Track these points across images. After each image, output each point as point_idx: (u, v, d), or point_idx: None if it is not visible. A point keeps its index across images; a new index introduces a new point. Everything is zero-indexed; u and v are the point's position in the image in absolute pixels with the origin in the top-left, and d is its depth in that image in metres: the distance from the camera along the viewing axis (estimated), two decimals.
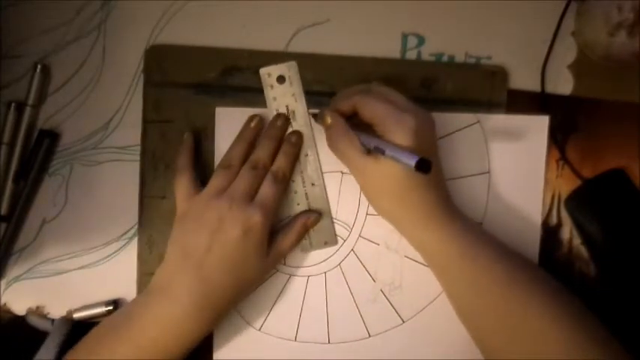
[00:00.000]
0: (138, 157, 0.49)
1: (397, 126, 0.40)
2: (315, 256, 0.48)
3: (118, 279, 0.49)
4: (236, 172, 0.45)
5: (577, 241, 0.49)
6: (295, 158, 0.47)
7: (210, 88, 0.49)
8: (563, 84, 0.49)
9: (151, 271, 0.48)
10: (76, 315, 0.48)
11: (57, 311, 0.49)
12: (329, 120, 0.44)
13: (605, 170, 0.49)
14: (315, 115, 0.47)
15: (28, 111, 0.48)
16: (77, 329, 0.47)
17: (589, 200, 0.48)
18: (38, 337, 0.46)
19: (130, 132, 0.49)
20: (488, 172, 0.48)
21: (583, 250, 0.49)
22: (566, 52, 0.49)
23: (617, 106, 0.49)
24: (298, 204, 0.48)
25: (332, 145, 0.44)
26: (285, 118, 0.47)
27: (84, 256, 0.49)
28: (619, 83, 0.49)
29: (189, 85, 0.49)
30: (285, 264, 0.48)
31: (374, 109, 0.42)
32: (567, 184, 0.49)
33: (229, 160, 0.46)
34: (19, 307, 0.49)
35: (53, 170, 0.49)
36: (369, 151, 0.42)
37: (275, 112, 0.48)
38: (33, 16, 0.49)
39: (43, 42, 0.49)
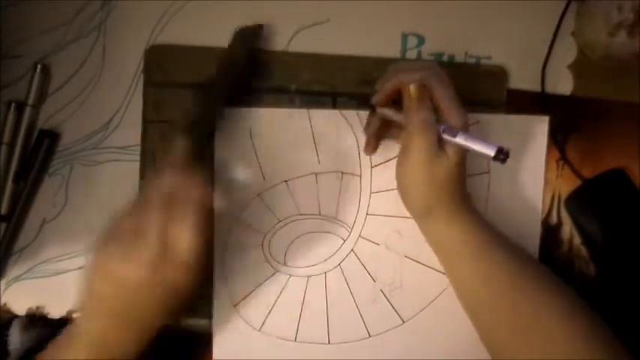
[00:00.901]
0: (138, 157, 0.49)
1: (461, 114, 0.41)
2: (315, 256, 0.48)
3: None
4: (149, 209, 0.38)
5: (577, 240, 0.49)
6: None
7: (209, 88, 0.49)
8: (563, 84, 0.49)
9: None
10: (76, 315, 0.48)
11: (57, 311, 0.49)
12: (415, 91, 0.42)
13: (605, 170, 0.49)
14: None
15: (28, 111, 0.48)
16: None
17: (589, 200, 0.48)
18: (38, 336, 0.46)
19: (129, 132, 0.49)
20: (488, 172, 0.48)
21: (583, 250, 0.49)
22: (566, 52, 0.49)
23: (617, 106, 0.49)
24: None
25: (414, 115, 0.41)
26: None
27: (84, 256, 0.49)
28: (619, 83, 0.49)
29: (189, 85, 0.49)
30: (285, 264, 0.48)
31: (448, 91, 0.41)
32: (567, 184, 0.49)
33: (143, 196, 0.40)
34: (19, 307, 0.49)
35: (53, 170, 0.49)
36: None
37: None
38: (33, 16, 0.49)
39: (43, 42, 0.49)
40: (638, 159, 0.49)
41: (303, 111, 0.48)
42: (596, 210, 0.48)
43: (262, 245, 0.48)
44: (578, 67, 0.49)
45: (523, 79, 0.49)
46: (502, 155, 0.39)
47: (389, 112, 0.44)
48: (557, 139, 0.49)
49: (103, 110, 0.49)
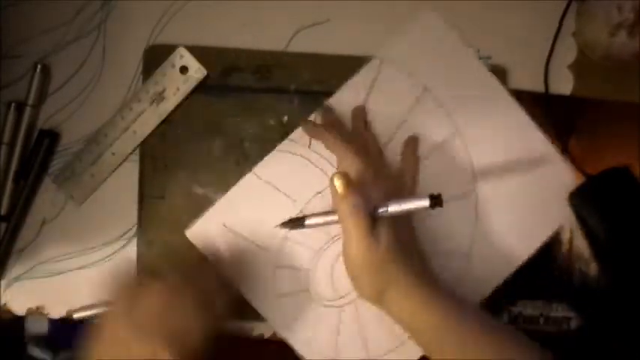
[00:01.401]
0: (137, 157, 0.49)
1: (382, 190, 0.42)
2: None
3: None
4: None
5: (577, 240, 0.49)
6: None
7: (209, 88, 0.49)
8: (563, 84, 0.49)
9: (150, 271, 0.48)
10: (76, 315, 0.48)
11: (57, 311, 0.49)
12: (337, 180, 0.41)
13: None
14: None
15: (28, 111, 0.48)
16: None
17: (593, 196, 0.48)
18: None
19: None
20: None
21: (583, 250, 0.49)
22: (566, 52, 0.49)
23: (618, 107, 0.49)
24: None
25: (342, 207, 0.42)
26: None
27: (84, 256, 0.49)
28: (619, 83, 0.48)
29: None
30: (333, 298, 0.47)
31: (365, 174, 0.42)
32: None
33: None
34: (19, 307, 0.49)
35: (53, 170, 0.49)
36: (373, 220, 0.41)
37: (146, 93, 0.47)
38: (33, 16, 0.49)
39: (43, 42, 0.49)
40: (639, 159, 0.49)
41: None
42: (600, 206, 0.48)
43: (309, 287, 0.47)
44: (578, 67, 0.49)
45: (524, 79, 0.49)
46: (435, 200, 0.39)
47: (319, 220, 0.44)
48: (558, 139, 0.49)
49: (103, 110, 0.49)
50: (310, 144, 0.47)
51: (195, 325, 0.39)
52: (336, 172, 0.41)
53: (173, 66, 0.48)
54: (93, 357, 0.39)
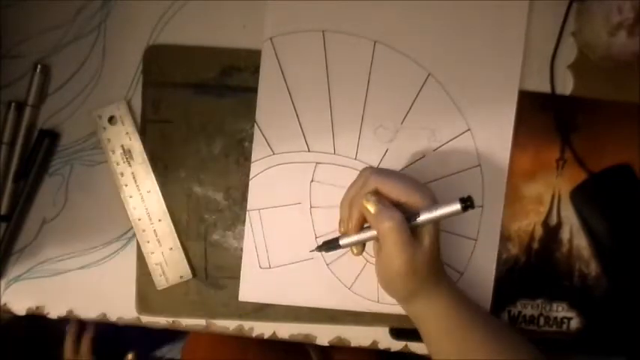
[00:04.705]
0: None
1: (424, 197, 0.41)
2: None
3: (118, 279, 0.49)
4: None
5: (577, 240, 0.49)
6: None
7: (209, 88, 0.49)
8: (563, 84, 0.49)
9: (150, 271, 0.48)
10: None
11: (57, 311, 0.49)
12: (367, 205, 0.42)
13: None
14: (326, 245, 0.45)
15: (28, 111, 0.48)
16: None
17: (594, 194, 0.48)
18: (38, 336, 0.46)
19: None
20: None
21: (583, 250, 0.49)
22: (567, 52, 0.49)
23: (617, 107, 0.49)
24: (148, 241, 0.48)
25: (380, 225, 0.42)
26: None
27: (84, 256, 0.49)
28: (619, 83, 0.48)
29: (188, 85, 0.49)
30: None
31: (397, 185, 0.42)
32: (567, 184, 0.49)
33: None
34: (19, 307, 0.49)
35: (53, 170, 0.49)
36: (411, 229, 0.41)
37: (111, 154, 0.48)
38: (33, 16, 0.49)
39: (43, 42, 0.49)
40: (638, 160, 0.49)
41: None
42: (602, 204, 0.48)
43: None
44: (578, 67, 0.49)
45: (524, 79, 0.49)
46: (468, 203, 0.39)
47: (353, 239, 0.44)
48: (557, 139, 0.49)
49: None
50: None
51: None
52: (365, 195, 0.42)
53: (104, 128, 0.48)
54: None
